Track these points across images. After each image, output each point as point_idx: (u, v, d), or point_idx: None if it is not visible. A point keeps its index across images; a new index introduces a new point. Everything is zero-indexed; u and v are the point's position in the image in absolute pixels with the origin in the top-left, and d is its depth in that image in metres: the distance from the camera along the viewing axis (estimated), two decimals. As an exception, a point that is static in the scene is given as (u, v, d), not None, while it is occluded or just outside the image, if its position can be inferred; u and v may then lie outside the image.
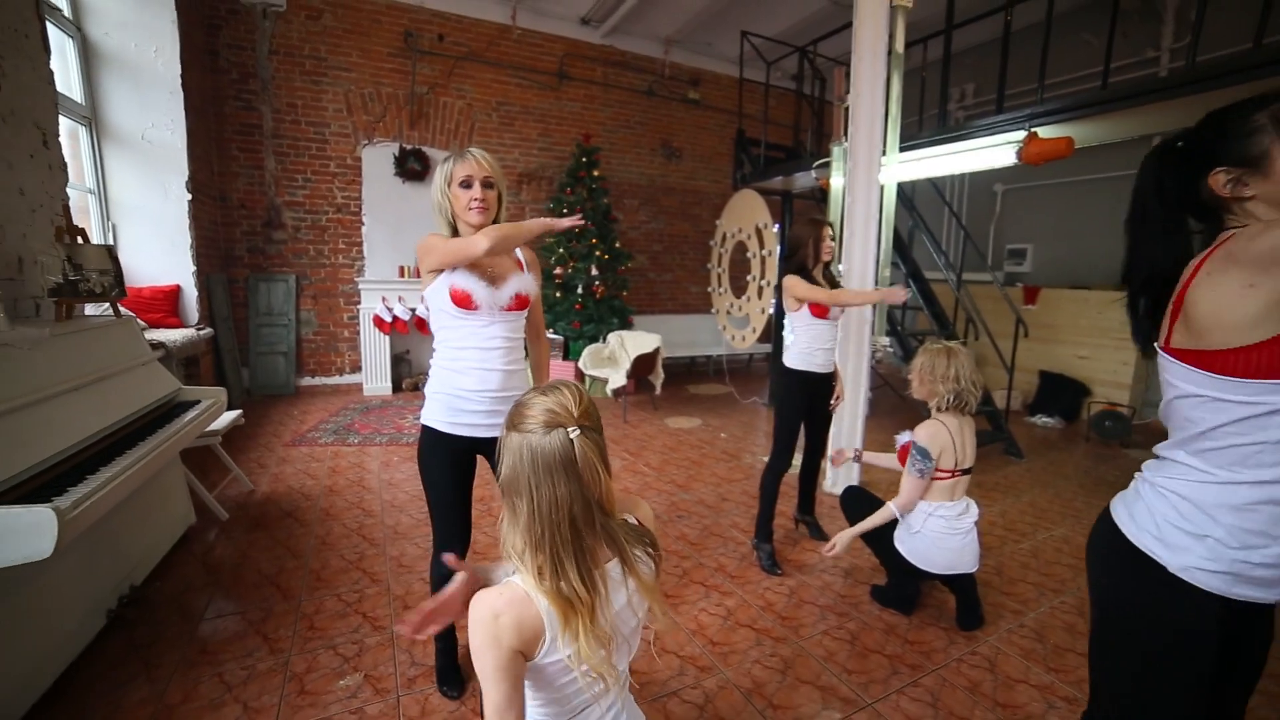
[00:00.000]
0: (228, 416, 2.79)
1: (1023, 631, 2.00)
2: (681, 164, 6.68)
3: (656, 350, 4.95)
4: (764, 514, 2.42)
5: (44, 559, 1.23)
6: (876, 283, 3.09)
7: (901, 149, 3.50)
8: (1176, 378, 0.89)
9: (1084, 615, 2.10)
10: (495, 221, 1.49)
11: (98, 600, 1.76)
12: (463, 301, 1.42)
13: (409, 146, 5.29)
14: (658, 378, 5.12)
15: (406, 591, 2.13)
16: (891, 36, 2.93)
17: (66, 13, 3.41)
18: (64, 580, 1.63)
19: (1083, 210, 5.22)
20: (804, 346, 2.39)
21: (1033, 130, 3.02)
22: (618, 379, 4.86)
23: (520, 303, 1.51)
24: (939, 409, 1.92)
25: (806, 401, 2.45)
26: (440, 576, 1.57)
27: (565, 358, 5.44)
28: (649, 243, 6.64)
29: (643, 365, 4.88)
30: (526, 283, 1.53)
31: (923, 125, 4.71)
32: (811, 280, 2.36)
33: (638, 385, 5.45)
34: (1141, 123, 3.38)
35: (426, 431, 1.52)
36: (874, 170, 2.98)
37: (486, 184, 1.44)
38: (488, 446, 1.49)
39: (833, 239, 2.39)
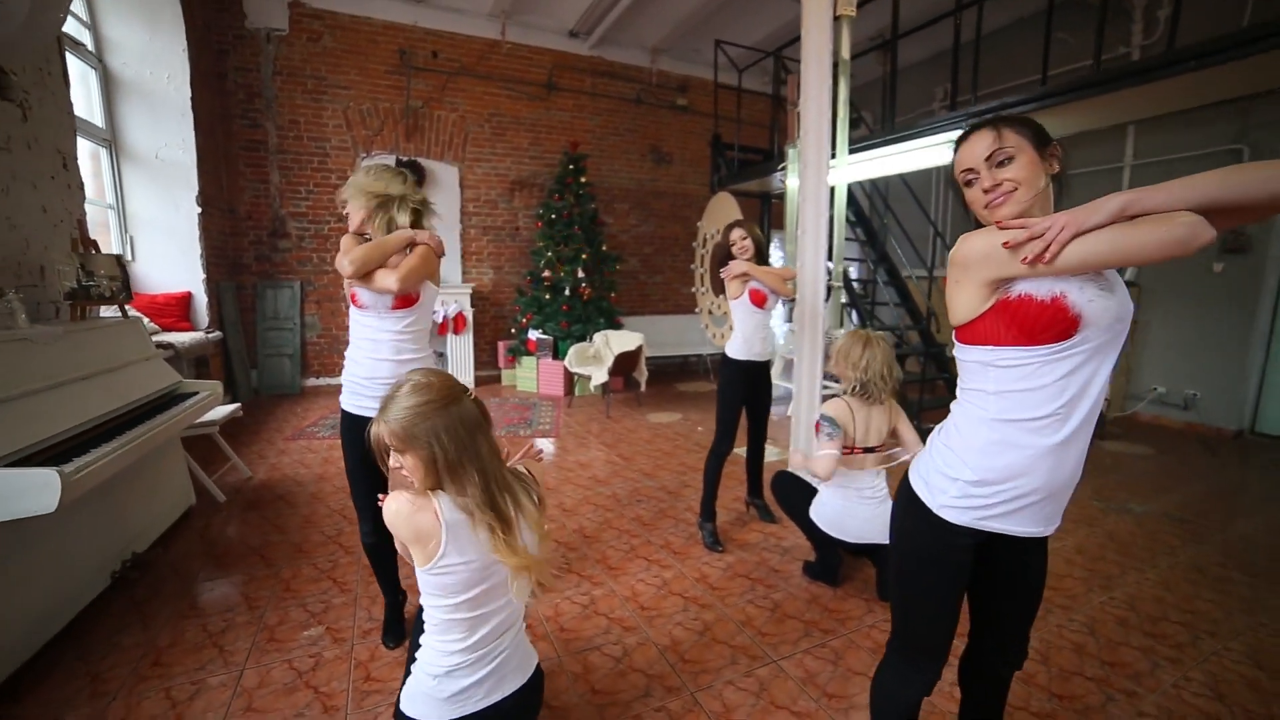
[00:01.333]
0: (226, 408, 3.09)
1: (934, 599, 2.17)
2: (671, 168, 6.92)
3: (639, 349, 5.17)
4: (706, 495, 2.63)
5: (54, 517, 1.52)
6: (830, 280, 3.28)
7: (853, 150, 3.69)
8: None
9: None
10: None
11: (103, 562, 2.05)
12: (355, 300, 1.68)
13: (405, 158, 5.63)
14: (641, 375, 5.34)
15: (375, 562, 2.39)
16: (837, 45, 3.13)
17: (90, 47, 3.79)
18: (75, 541, 1.92)
19: (1065, 204, 5.30)
20: (745, 335, 2.57)
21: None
22: (600, 376, 5.09)
23: (404, 302, 1.68)
24: (846, 391, 2.11)
25: (745, 389, 2.62)
26: (369, 544, 1.80)
27: (554, 357, 5.69)
28: (639, 245, 6.88)
29: (626, 363, 5.11)
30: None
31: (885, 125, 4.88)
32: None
33: (625, 383, 5.68)
34: (1076, 120, 3.51)
35: (341, 412, 1.77)
36: (823, 171, 3.17)
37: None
38: None
39: (745, 238, 2.53)
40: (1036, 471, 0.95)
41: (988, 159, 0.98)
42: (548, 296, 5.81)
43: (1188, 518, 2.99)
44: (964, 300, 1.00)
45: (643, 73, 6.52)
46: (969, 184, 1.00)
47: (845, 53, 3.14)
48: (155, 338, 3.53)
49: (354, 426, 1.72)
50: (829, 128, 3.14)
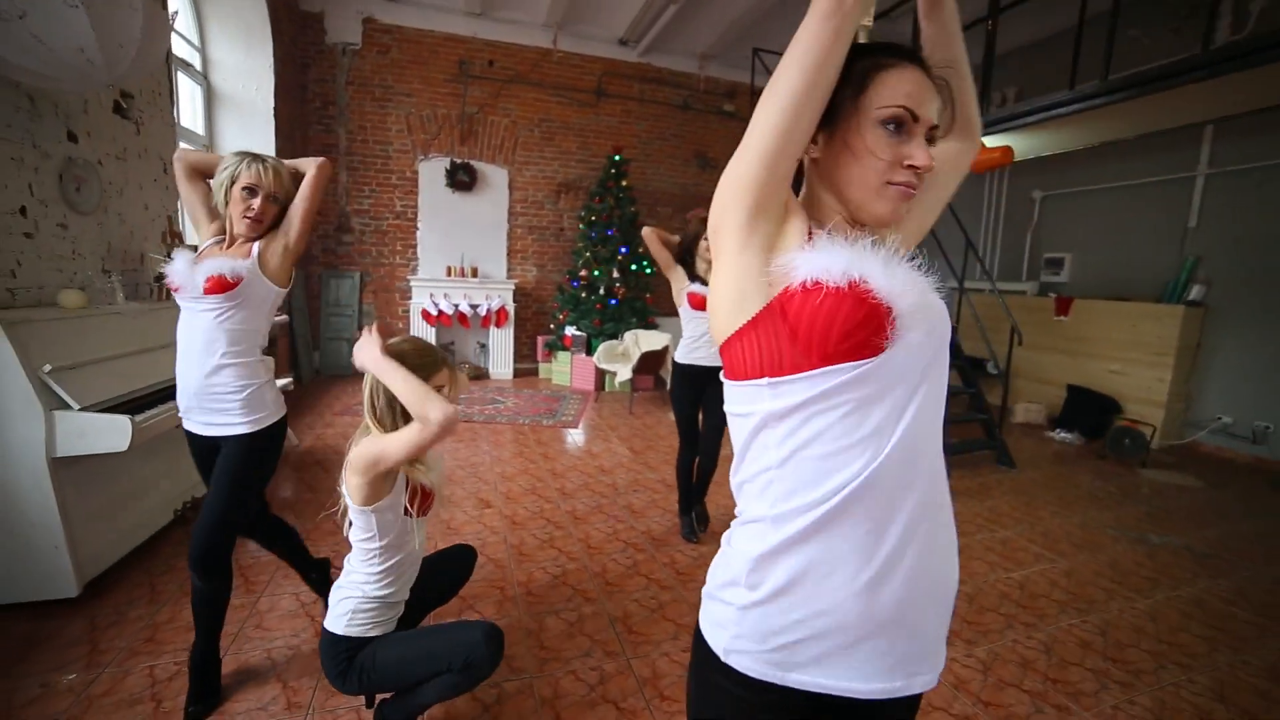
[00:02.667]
0: (279, 381, 3.58)
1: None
2: (715, 174, 7.05)
3: (665, 349, 5.38)
4: (679, 493, 2.77)
5: (133, 458, 1.95)
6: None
7: None
8: None
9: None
10: (268, 233, 1.53)
11: (170, 500, 2.51)
12: (170, 281, 1.47)
13: (459, 161, 6.12)
14: (667, 374, 5.55)
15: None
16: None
17: (198, 67, 4.47)
18: (149, 481, 2.38)
19: (1125, 217, 5.03)
20: (686, 339, 2.57)
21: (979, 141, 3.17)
22: (625, 373, 5.34)
23: (217, 285, 1.41)
24: None
25: (693, 393, 2.60)
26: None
27: (588, 353, 6.00)
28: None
29: (651, 362, 5.33)
30: (233, 266, 1.44)
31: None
32: (692, 276, 2.50)
33: (655, 382, 5.90)
34: (1147, 118, 3.38)
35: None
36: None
37: (269, 198, 1.48)
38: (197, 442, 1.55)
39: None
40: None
41: (932, 128, 0.66)
42: (584, 295, 6.13)
43: (1213, 553, 2.85)
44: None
45: (691, 79, 6.72)
46: (897, 125, 0.63)
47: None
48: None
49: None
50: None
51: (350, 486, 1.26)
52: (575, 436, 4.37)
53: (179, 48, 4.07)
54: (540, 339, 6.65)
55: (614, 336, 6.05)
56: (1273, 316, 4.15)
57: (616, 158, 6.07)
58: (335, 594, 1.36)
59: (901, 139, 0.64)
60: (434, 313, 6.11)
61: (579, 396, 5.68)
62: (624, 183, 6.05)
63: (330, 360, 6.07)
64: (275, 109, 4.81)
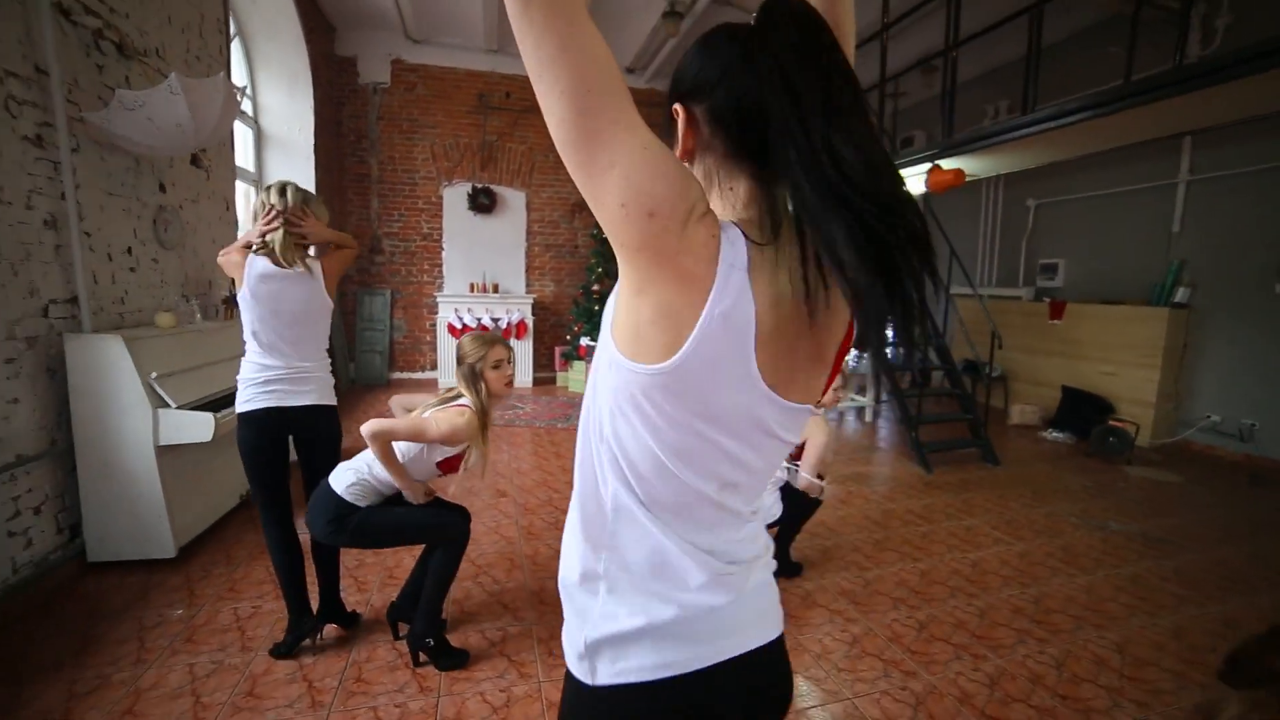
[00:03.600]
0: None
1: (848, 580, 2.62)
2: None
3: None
4: None
5: (211, 449, 2.44)
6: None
7: (910, 163, 4.12)
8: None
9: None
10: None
11: (236, 487, 3.02)
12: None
13: (480, 185, 6.68)
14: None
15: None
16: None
17: (250, 113, 5.11)
18: (221, 469, 2.89)
19: (1114, 223, 5.26)
20: None
21: (936, 163, 3.51)
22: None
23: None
24: None
25: None
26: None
27: (601, 363, 6.45)
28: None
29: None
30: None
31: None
32: None
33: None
34: (1132, 129, 3.66)
35: None
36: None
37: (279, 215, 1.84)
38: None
39: None
40: None
41: None
42: (596, 308, 6.59)
43: (1169, 539, 3.11)
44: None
45: (694, 101, 7.18)
46: None
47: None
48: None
49: None
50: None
51: (406, 420, 1.73)
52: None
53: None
54: (558, 349, 7.13)
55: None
56: (1255, 316, 4.35)
57: (625, 178, 6.55)
58: (344, 465, 1.83)
59: None
60: (459, 326, 6.64)
61: (592, 403, 6.12)
62: (633, 202, 6.51)
63: (364, 371, 6.65)
64: (315, 145, 5.43)
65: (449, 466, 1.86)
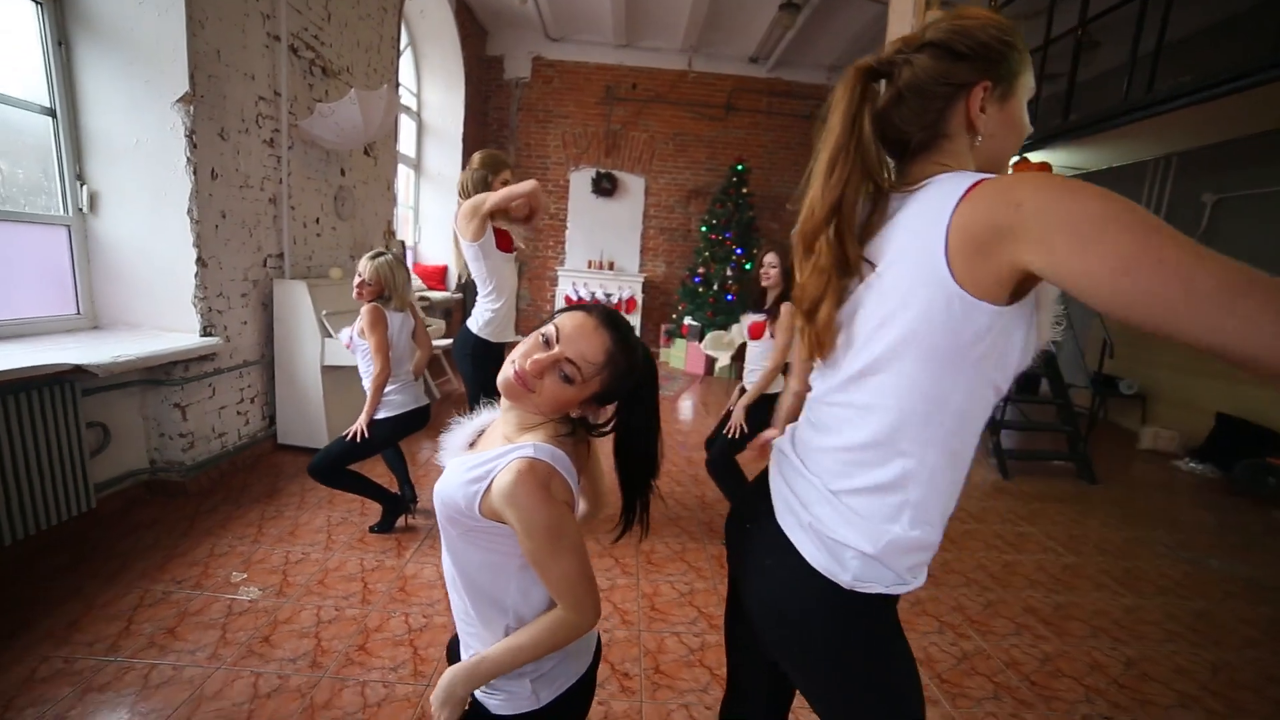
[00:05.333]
0: (444, 341, 5.02)
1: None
2: (841, 176, 7.40)
3: (764, 343, 6.02)
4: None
5: (353, 370, 3.31)
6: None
7: None
8: None
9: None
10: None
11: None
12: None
13: (603, 170, 7.34)
14: (765, 368, 6.18)
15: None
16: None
17: (414, 109, 6.21)
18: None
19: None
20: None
21: (1024, 156, 3.34)
22: (725, 359, 6.10)
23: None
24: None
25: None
26: None
27: (700, 341, 6.85)
28: (800, 250, 7.55)
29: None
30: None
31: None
32: (758, 309, 2.65)
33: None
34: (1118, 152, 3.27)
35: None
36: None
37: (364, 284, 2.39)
38: None
39: (772, 266, 2.50)
40: None
41: None
42: (700, 289, 6.98)
43: (1274, 586, 2.83)
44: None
45: (819, 90, 7.15)
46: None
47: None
48: (421, 293, 5.73)
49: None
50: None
51: None
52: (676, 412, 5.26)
53: (405, 98, 5.77)
54: (663, 326, 7.64)
55: (724, 328, 6.81)
56: None
57: (739, 167, 6.81)
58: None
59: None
60: (574, 298, 7.43)
61: (688, 378, 6.56)
62: (744, 190, 6.76)
63: (491, 334, 7.71)
64: (464, 134, 6.42)
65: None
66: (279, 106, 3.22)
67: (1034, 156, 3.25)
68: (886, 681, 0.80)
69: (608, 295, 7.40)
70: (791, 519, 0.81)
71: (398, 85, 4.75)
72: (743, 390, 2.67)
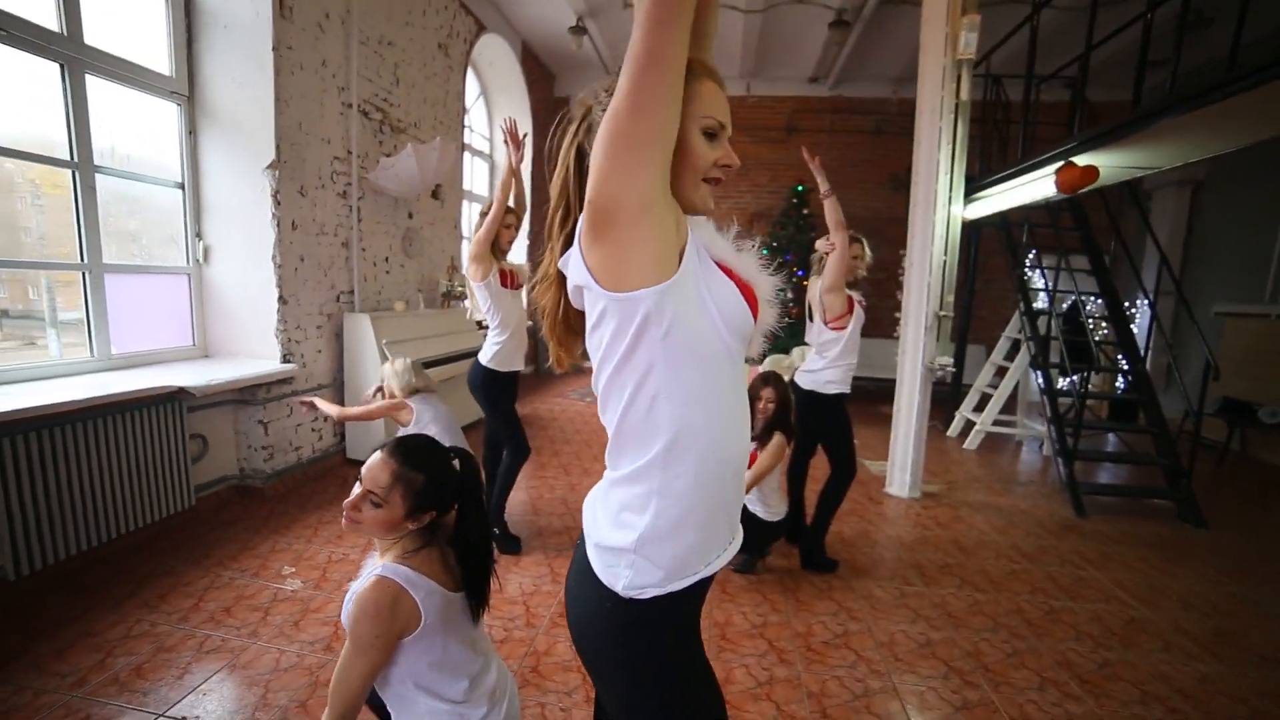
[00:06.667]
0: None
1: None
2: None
3: (824, 365, 5.86)
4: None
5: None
6: (940, 309, 3.63)
7: (986, 183, 3.86)
8: None
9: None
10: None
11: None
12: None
13: (666, 198, 7.56)
14: (826, 391, 6.00)
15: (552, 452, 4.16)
16: (958, 87, 3.49)
17: (486, 150, 6.82)
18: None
19: None
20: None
21: (1069, 160, 3.05)
22: (779, 385, 6.00)
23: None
24: None
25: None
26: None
27: (759, 363, 6.78)
28: (871, 271, 7.22)
29: (806, 377, 5.87)
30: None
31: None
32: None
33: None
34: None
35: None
36: (929, 209, 3.58)
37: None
38: None
39: (770, 401, 2.60)
40: None
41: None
42: (761, 312, 6.92)
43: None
44: None
45: (884, 104, 6.95)
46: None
47: (964, 94, 3.47)
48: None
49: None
50: (936, 168, 3.54)
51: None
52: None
53: (478, 142, 6.37)
54: (726, 351, 7.65)
55: (785, 350, 6.70)
56: None
57: (799, 189, 6.75)
58: None
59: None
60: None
61: (744, 403, 6.52)
62: (804, 211, 6.68)
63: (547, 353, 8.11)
64: (531, 172, 6.92)
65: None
66: (351, 163, 3.74)
67: (1086, 159, 2.99)
68: (673, 701, 0.81)
69: (672, 319, 7.56)
70: (587, 536, 0.87)
71: (463, 133, 5.28)
72: None
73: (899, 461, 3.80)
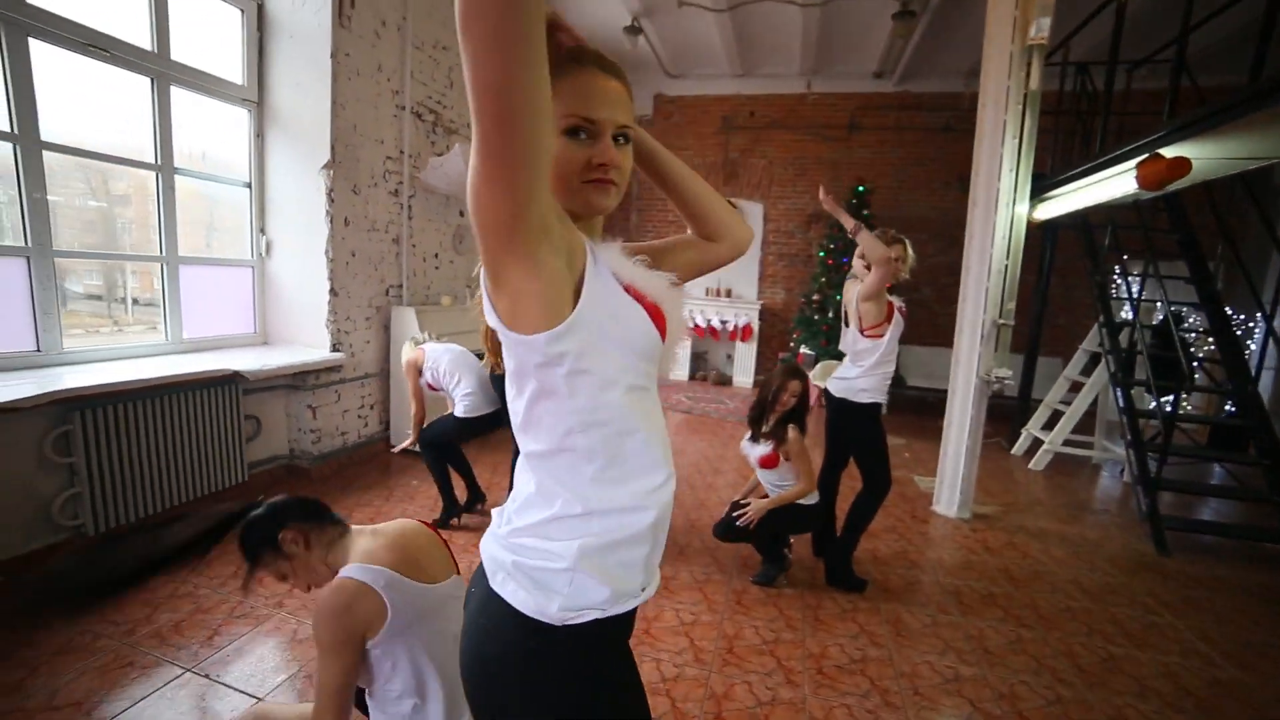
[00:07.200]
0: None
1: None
2: (987, 190, 6.60)
3: (878, 374, 5.56)
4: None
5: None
6: (999, 317, 3.34)
7: (1058, 181, 3.51)
8: None
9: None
10: None
11: (478, 419, 4.44)
12: None
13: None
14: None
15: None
16: (1028, 75, 3.19)
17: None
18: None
19: None
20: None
21: (1155, 151, 2.67)
22: (829, 392, 5.73)
23: None
24: None
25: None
26: None
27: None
28: (936, 275, 6.84)
29: (859, 385, 5.58)
30: None
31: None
32: (756, 432, 2.59)
33: (872, 407, 6.05)
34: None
35: None
36: (990, 211, 3.30)
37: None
38: None
39: (793, 395, 2.46)
40: None
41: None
42: (815, 317, 6.67)
43: None
44: None
45: (955, 99, 6.50)
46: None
47: (1035, 83, 3.17)
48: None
49: None
50: (999, 164, 3.26)
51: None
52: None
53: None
54: (780, 355, 7.42)
55: (839, 357, 6.40)
56: None
57: (860, 189, 6.44)
58: None
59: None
60: (690, 326, 7.57)
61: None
62: (864, 211, 6.36)
63: (612, 357, 8.14)
64: (590, 174, 6.99)
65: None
66: (403, 163, 3.90)
67: (1173, 150, 2.64)
68: None
69: (724, 322, 7.42)
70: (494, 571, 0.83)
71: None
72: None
73: (947, 478, 3.53)
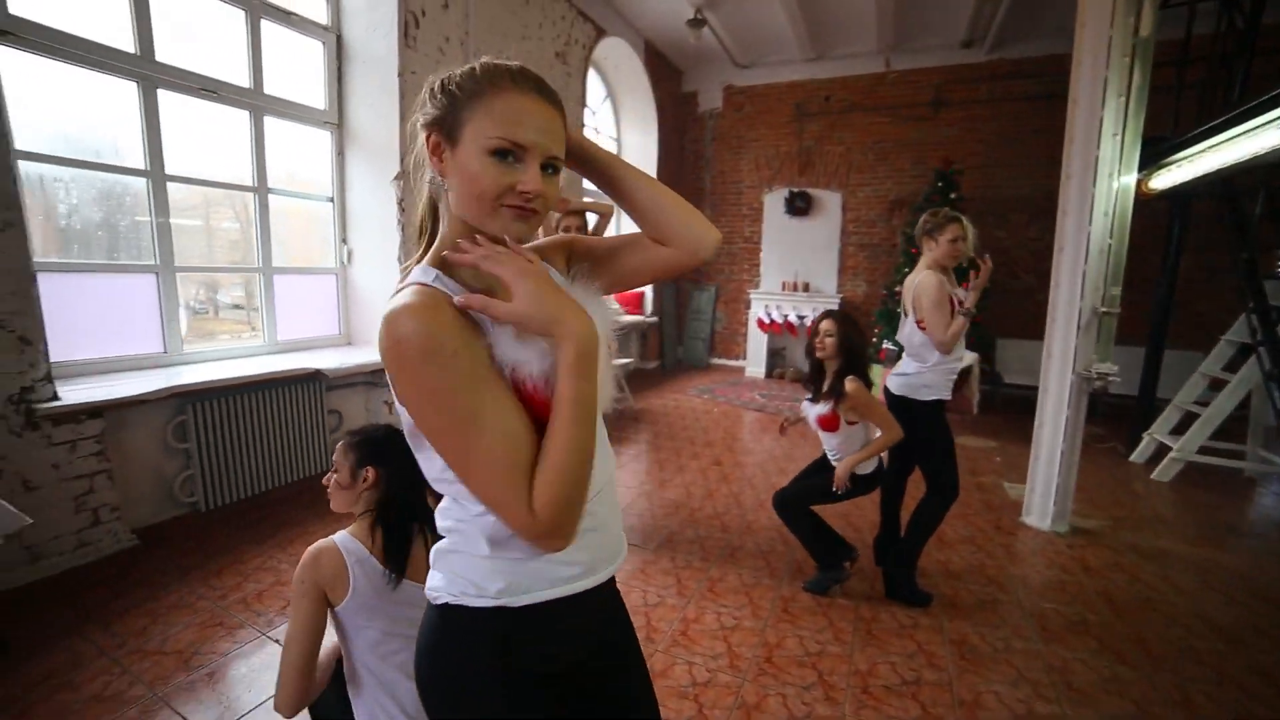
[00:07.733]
0: (622, 360, 5.48)
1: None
2: (1103, 162, 5.80)
3: (968, 369, 5.07)
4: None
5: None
6: (1102, 304, 2.92)
7: (1182, 142, 3.02)
8: None
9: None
10: None
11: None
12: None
13: (797, 190, 7.11)
14: (972, 395, 5.18)
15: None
16: (1137, 21, 2.75)
17: (616, 150, 7.01)
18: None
19: None
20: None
21: None
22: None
23: None
24: None
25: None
26: None
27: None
28: (1038, 261, 6.13)
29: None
30: None
31: None
32: (815, 392, 2.36)
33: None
34: None
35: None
36: (1087, 182, 2.88)
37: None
38: None
39: (829, 335, 2.24)
40: None
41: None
42: (896, 310, 6.20)
43: None
44: None
45: (1056, 61, 5.74)
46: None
47: (1146, 29, 2.72)
48: (615, 318, 6.37)
49: None
50: (1099, 128, 2.84)
51: None
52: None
53: (604, 143, 6.57)
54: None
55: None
56: None
57: (948, 170, 5.89)
58: None
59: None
60: (766, 321, 7.31)
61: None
62: (952, 195, 5.82)
63: (689, 354, 8.04)
64: (659, 169, 6.94)
65: None
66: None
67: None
68: None
69: (801, 318, 7.10)
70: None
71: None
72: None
73: (1038, 486, 3.13)
